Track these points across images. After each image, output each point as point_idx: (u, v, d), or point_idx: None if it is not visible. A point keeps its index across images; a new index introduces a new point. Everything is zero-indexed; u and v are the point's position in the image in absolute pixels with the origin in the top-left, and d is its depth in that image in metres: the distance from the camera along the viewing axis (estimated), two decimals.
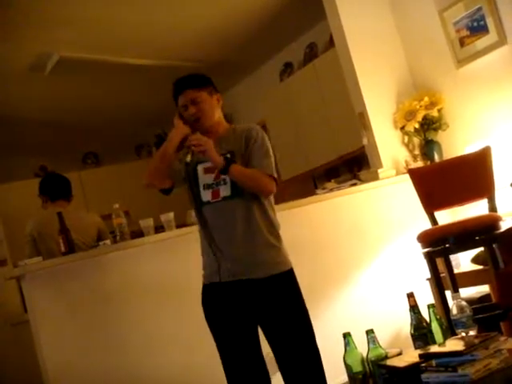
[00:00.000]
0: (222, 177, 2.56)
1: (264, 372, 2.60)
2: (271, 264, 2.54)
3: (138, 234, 3.48)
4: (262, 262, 2.53)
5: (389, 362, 2.51)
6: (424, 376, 2.25)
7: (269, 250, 2.55)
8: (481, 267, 3.63)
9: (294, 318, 2.55)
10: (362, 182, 4.14)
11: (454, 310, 2.45)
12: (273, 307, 2.53)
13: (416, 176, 3.74)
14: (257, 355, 2.60)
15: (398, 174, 4.20)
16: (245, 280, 2.53)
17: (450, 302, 2.59)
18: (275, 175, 2.54)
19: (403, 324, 3.21)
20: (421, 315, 2.92)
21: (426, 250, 3.35)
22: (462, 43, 4.06)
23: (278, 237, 2.60)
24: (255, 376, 2.58)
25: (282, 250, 2.59)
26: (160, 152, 2.64)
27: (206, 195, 2.59)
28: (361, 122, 4.35)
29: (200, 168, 2.63)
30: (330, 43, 5.13)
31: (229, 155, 2.55)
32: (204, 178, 2.61)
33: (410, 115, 4.25)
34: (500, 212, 3.44)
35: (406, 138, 4.36)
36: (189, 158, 2.56)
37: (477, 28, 3.96)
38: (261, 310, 2.54)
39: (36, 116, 6.12)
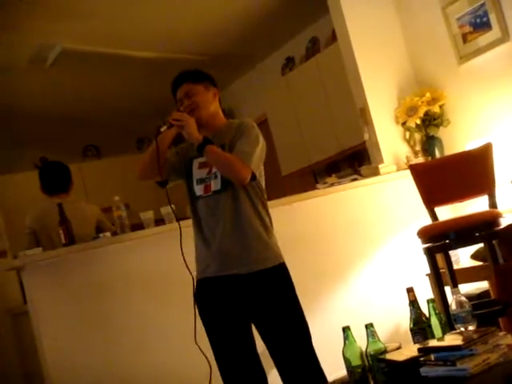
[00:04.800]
0: (214, 171, 2.55)
1: (259, 369, 2.59)
2: (259, 259, 2.51)
3: (139, 226, 3.48)
4: (250, 256, 2.51)
5: (388, 356, 2.50)
6: (423, 370, 2.25)
7: (257, 245, 2.52)
8: (480, 263, 3.64)
9: (284, 313, 2.52)
10: (363, 177, 4.14)
11: (454, 305, 2.45)
12: (262, 303, 2.51)
13: (417, 172, 3.74)
14: (251, 351, 2.58)
15: (398, 169, 4.20)
16: (234, 275, 2.51)
17: (450, 298, 2.59)
18: (252, 166, 2.47)
19: (402, 318, 3.21)
20: (420, 310, 2.91)
21: (426, 245, 3.35)
22: (464, 39, 4.06)
23: (268, 231, 2.56)
24: (250, 373, 2.57)
25: (271, 244, 2.56)
26: (152, 146, 2.62)
27: (199, 190, 2.59)
28: (362, 117, 4.35)
29: (195, 163, 2.63)
30: (333, 38, 5.12)
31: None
32: (198, 173, 2.61)
33: (411, 111, 4.24)
34: (500, 208, 3.44)
35: (408, 134, 4.36)
36: (163, 129, 2.57)
37: (480, 24, 3.95)
38: (251, 306, 2.53)
39: (37, 108, 6.10)
